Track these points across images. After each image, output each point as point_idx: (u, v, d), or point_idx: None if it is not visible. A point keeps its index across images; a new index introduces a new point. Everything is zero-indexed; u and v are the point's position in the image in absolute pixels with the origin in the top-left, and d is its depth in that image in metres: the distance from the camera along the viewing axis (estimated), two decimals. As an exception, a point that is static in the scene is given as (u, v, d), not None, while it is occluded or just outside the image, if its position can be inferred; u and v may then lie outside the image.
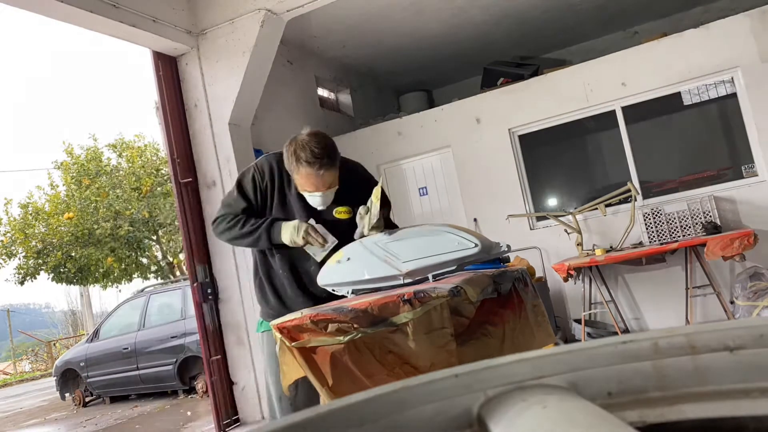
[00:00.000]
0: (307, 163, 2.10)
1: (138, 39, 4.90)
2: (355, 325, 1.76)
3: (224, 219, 2.30)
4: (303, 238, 2.17)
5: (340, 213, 2.32)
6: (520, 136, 6.32)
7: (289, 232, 2.19)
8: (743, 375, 0.46)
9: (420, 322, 1.71)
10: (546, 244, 6.03)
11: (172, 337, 7.77)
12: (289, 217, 2.28)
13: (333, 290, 2.13)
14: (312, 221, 2.22)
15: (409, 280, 2.00)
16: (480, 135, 6.35)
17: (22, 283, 14.41)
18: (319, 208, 2.26)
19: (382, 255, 2.01)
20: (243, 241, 2.28)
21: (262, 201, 2.30)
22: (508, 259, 2.61)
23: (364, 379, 1.76)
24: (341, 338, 1.77)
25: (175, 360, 7.66)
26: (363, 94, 8.23)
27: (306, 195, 2.23)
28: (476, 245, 1.94)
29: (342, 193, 2.29)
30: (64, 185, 14.61)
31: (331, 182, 2.21)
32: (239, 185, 2.30)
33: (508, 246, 2.11)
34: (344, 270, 2.07)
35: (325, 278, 2.13)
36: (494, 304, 1.97)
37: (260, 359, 2.42)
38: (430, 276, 2.03)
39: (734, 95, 5.51)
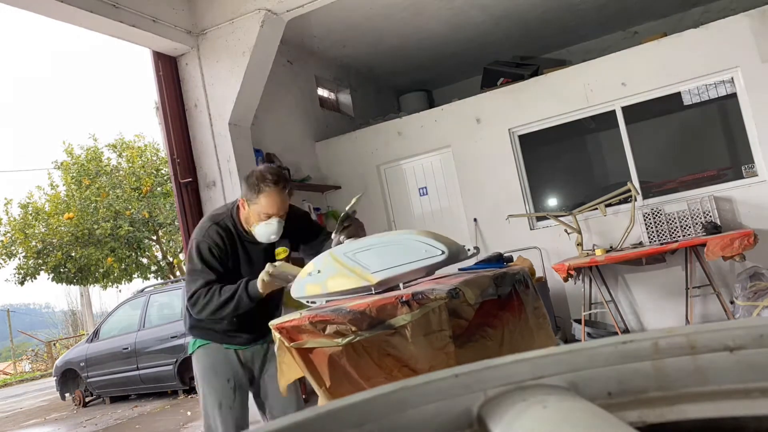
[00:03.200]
0: (273, 183, 2.26)
1: (138, 39, 4.91)
2: (353, 328, 1.75)
3: (200, 294, 2.28)
4: (271, 275, 2.20)
5: (279, 254, 2.48)
6: (520, 136, 6.32)
7: (260, 282, 2.23)
8: (743, 375, 0.46)
9: (418, 324, 1.70)
10: (546, 244, 6.03)
11: (172, 337, 7.76)
12: (251, 268, 2.38)
13: (308, 302, 2.14)
14: (268, 266, 2.26)
15: (380, 290, 1.99)
16: (480, 135, 6.35)
17: (22, 283, 14.41)
18: (273, 237, 2.35)
19: (352, 266, 2.01)
20: (225, 309, 2.27)
21: (224, 268, 2.34)
22: (511, 259, 2.61)
23: (363, 382, 1.75)
24: (339, 341, 1.76)
25: (175, 360, 7.66)
26: (363, 94, 8.22)
27: (262, 227, 2.32)
28: (443, 252, 1.93)
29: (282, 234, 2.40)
30: (64, 185, 14.61)
31: (287, 209, 2.35)
32: (201, 259, 2.31)
33: (477, 248, 2.11)
34: (316, 282, 2.07)
35: (298, 291, 2.14)
36: (494, 307, 1.96)
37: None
38: (401, 285, 2.03)
39: (734, 95, 5.51)
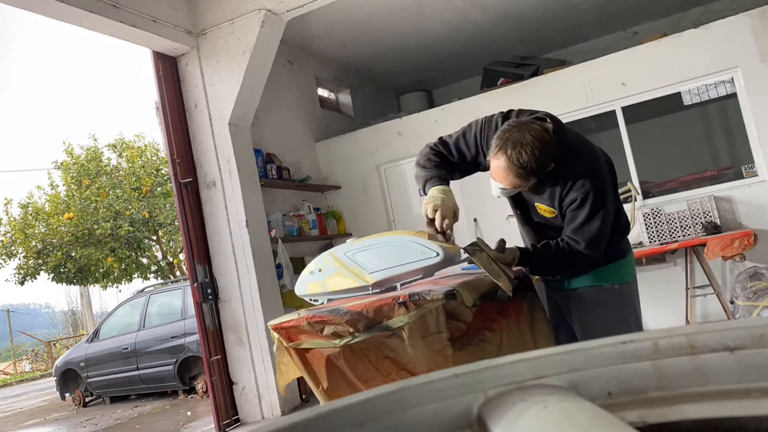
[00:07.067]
0: (493, 154, 1.92)
1: (138, 39, 4.90)
2: (350, 329, 1.74)
3: (433, 147, 2.21)
4: (426, 216, 2.02)
5: (543, 210, 2.10)
6: (520, 136, 6.31)
7: (426, 201, 2.04)
8: (743, 375, 0.46)
9: (415, 325, 1.69)
10: (546, 244, 6.02)
11: (172, 337, 7.76)
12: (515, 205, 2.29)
13: (310, 300, 2.17)
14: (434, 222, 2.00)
15: (378, 290, 2.00)
16: (480, 135, 6.34)
17: (22, 283, 14.41)
18: (494, 194, 2.10)
19: (351, 265, 2.03)
20: (416, 174, 2.21)
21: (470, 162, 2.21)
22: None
23: (360, 384, 1.75)
24: (337, 342, 1.76)
25: (175, 360, 7.66)
26: (363, 94, 8.22)
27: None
28: (438, 254, 1.95)
29: (548, 187, 2.02)
30: (64, 185, 14.60)
31: (514, 184, 1.97)
32: (465, 132, 2.18)
33: None
34: (316, 281, 2.10)
35: (300, 288, 2.16)
36: (493, 310, 1.95)
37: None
38: (398, 285, 2.04)
39: (734, 95, 5.51)
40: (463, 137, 2.18)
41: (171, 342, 7.75)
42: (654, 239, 5.31)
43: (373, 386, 1.72)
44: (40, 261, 14.12)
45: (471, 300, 1.76)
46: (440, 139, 2.25)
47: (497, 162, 1.92)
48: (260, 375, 5.02)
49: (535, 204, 2.12)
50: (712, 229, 4.98)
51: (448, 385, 0.45)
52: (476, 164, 2.22)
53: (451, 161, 2.21)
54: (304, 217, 6.24)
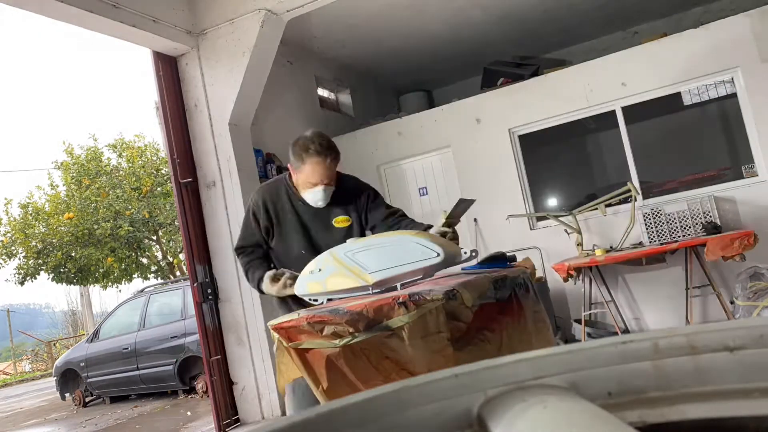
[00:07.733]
0: (316, 152, 2.33)
1: (138, 39, 4.90)
2: (350, 329, 1.74)
3: (239, 252, 2.63)
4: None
5: (339, 222, 2.51)
6: (520, 136, 6.31)
7: (271, 287, 2.41)
8: (743, 375, 0.46)
9: (415, 325, 1.69)
10: (546, 244, 6.03)
11: (172, 337, 7.76)
12: (304, 231, 2.51)
13: (310, 299, 2.17)
14: (284, 271, 2.40)
15: (378, 290, 2.00)
16: (480, 135, 6.34)
17: (22, 283, 14.40)
18: (320, 204, 2.45)
19: (351, 265, 2.03)
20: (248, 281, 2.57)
21: (266, 232, 2.55)
22: (514, 258, 2.61)
23: (360, 384, 1.75)
24: (337, 342, 1.75)
25: (175, 360, 7.66)
26: (363, 94, 8.22)
27: (308, 193, 2.44)
28: (438, 254, 1.95)
29: (341, 203, 2.50)
30: (64, 185, 14.60)
31: (333, 177, 2.43)
32: (246, 222, 2.61)
33: (475, 251, 2.12)
34: (316, 280, 2.10)
35: (300, 288, 2.16)
36: (493, 310, 1.95)
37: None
38: (398, 285, 2.04)
39: (734, 95, 5.51)
40: (247, 226, 2.60)
41: (171, 342, 7.75)
42: (654, 239, 5.31)
43: (373, 386, 1.71)
44: (40, 261, 14.12)
45: (471, 300, 1.76)
46: (238, 248, 2.64)
47: (317, 158, 2.33)
48: (260, 375, 5.02)
49: (333, 221, 2.51)
50: (712, 229, 4.98)
51: (448, 385, 0.45)
52: (269, 232, 2.57)
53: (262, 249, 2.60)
54: (304, 217, 6.23)
